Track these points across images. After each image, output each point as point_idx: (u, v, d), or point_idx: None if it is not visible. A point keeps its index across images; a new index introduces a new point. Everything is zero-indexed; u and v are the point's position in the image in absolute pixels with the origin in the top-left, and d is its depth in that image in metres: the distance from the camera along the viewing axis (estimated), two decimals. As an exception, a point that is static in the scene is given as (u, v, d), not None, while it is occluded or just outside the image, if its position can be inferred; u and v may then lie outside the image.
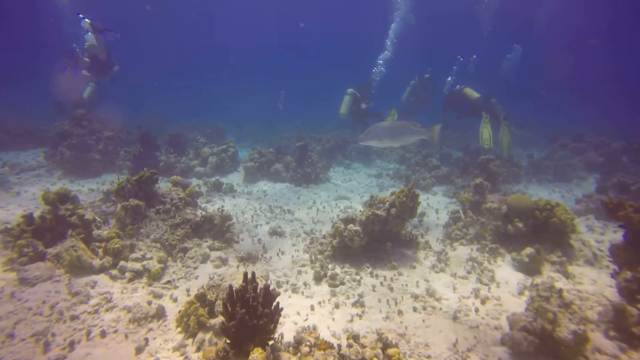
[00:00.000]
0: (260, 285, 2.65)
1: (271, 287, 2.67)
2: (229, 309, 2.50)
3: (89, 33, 9.03)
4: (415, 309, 3.72)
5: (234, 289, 2.54)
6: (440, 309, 3.76)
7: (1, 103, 13.94)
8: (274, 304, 2.61)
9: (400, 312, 3.65)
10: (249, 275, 2.64)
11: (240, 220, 6.26)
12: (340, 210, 7.19)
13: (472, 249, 5.17)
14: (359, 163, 11.99)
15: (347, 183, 9.61)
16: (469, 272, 4.55)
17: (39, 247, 4.15)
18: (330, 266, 4.60)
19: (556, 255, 4.68)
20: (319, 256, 4.90)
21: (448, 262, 4.75)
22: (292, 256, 4.98)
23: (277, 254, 5.05)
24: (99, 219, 4.84)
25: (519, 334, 3.02)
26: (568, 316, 3.01)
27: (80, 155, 8.61)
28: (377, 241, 5.08)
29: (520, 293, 4.09)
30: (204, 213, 5.05)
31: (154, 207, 5.40)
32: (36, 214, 4.39)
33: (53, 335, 3.10)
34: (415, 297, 3.95)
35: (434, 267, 4.67)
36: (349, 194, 8.49)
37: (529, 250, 4.61)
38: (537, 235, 4.90)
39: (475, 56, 13.17)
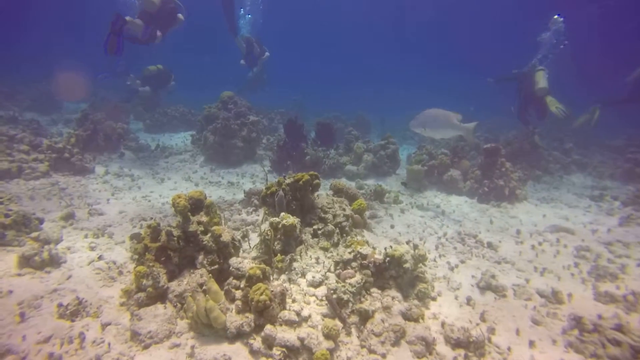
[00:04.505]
0: None
1: None
2: None
3: None
4: None
5: None
6: None
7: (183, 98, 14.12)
8: None
9: None
10: None
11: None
12: (575, 255, 4.51)
13: None
14: (550, 176, 8.70)
15: (549, 204, 6.66)
16: None
17: (160, 279, 2.78)
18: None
19: None
20: (611, 370, 2.49)
21: None
22: (556, 360, 2.65)
23: (516, 340, 2.79)
24: (237, 240, 3.32)
25: None
26: None
27: (223, 141, 7.76)
28: None
29: None
30: (390, 251, 3.09)
31: (310, 225, 3.71)
32: (163, 226, 3.06)
33: None
34: None
35: None
36: (564, 223, 5.65)
37: None
38: None
39: None
